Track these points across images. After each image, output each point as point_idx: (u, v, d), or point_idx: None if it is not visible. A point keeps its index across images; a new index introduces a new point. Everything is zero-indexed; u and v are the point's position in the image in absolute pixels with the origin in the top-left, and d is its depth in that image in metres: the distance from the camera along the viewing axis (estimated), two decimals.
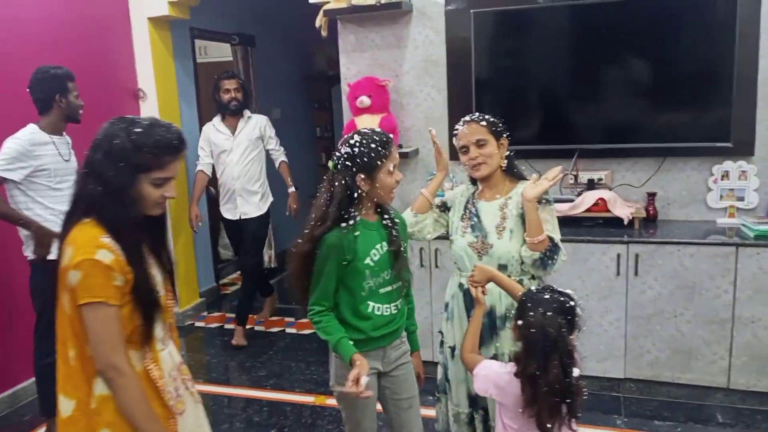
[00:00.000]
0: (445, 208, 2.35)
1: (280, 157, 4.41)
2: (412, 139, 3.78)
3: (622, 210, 3.28)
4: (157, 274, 1.65)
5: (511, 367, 1.74)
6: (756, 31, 3.14)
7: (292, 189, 4.43)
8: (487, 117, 2.19)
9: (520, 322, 1.72)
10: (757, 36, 3.14)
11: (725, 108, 3.16)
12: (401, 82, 3.75)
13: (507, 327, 2.12)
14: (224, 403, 3.50)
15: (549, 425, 1.65)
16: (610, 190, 3.41)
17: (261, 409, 3.39)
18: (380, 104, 3.63)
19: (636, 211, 3.31)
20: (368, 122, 3.57)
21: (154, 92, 4.43)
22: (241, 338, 4.25)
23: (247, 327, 4.40)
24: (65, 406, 1.55)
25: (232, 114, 4.19)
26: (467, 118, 2.22)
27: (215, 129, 4.23)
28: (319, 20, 3.67)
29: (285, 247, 6.18)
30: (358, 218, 1.96)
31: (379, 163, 1.91)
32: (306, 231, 1.96)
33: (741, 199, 3.30)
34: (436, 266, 3.38)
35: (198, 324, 4.73)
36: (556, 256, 2.08)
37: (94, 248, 1.48)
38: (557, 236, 2.11)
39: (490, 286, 2.04)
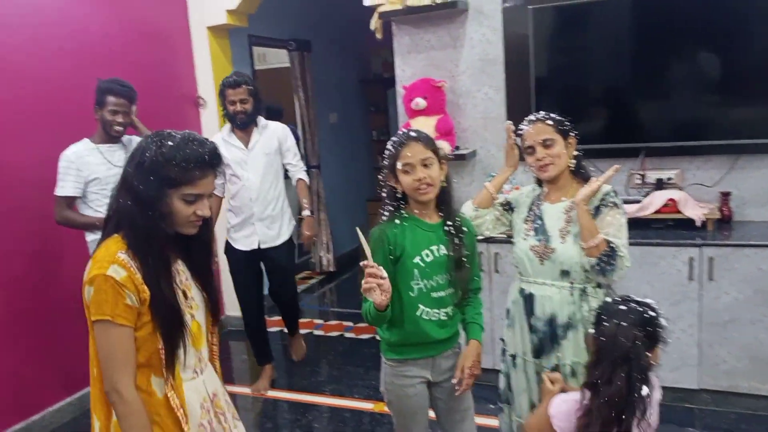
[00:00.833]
0: (509, 207, 2.27)
1: (298, 173, 3.62)
2: (469, 141, 3.70)
3: (694, 211, 3.10)
4: (195, 297, 1.62)
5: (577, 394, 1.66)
6: None
7: (307, 213, 3.62)
8: (553, 115, 2.10)
9: (592, 332, 1.64)
10: None
11: None
12: (457, 82, 3.68)
13: (569, 336, 2.04)
14: (284, 408, 3.52)
15: None
16: (681, 189, 3.23)
17: (321, 415, 3.38)
18: (436, 106, 3.58)
19: (709, 211, 3.12)
20: (424, 124, 3.52)
21: (214, 100, 4.50)
22: (300, 348, 4.09)
23: (304, 332, 4.38)
24: (95, 425, 1.56)
25: (240, 128, 3.45)
26: (532, 117, 2.12)
27: (225, 142, 3.43)
28: (374, 23, 3.65)
29: (345, 250, 6.25)
30: (404, 213, 1.99)
31: (392, 161, 1.94)
32: None
33: None
34: (496, 271, 3.29)
35: None
36: (614, 262, 1.95)
37: (108, 263, 1.45)
38: (620, 241, 1.98)
39: (552, 292, 1.97)
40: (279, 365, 4.11)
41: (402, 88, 3.70)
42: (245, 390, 3.72)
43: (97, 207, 3.02)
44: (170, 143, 1.50)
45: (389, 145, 1.97)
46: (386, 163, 1.98)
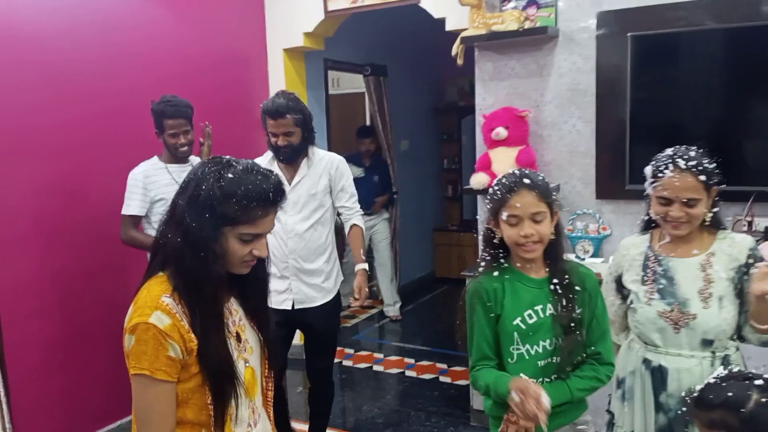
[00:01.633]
0: (619, 285, 1.94)
1: (353, 218, 2.90)
2: (552, 175, 3.44)
3: None
4: (249, 339, 1.45)
5: None
6: None
7: (361, 266, 2.84)
8: (705, 165, 1.73)
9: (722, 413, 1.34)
10: None
11: None
12: (542, 112, 3.44)
13: None
14: None
15: None
16: None
17: None
18: (518, 136, 3.34)
19: None
20: (504, 155, 3.30)
21: None
22: None
23: (362, 366, 4.17)
24: None
25: (285, 162, 2.77)
26: (680, 161, 1.72)
27: None
28: (456, 48, 3.47)
29: (409, 280, 6.03)
30: (504, 264, 1.73)
31: (497, 207, 1.68)
32: None
33: None
34: None
35: None
36: None
37: (151, 309, 1.28)
38: None
39: (690, 364, 1.72)
40: (335, 397, 3.90)
41: (482, 116, 3.50)
42: (302, 427, 3.51)
43: None
44: (230, 176, 1.31)
45: (496, 187, 1.69)
46: (489, 206, 1.71)
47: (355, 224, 2.89)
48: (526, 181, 1.64)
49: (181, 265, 1.32)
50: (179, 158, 3.01)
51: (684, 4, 2.96)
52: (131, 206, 2.93)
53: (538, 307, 1.68)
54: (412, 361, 4.43)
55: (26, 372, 2.94)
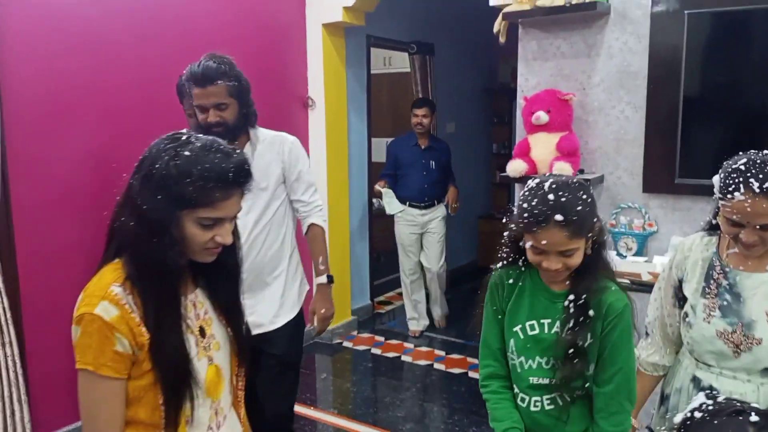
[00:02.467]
0: (678, 287, 1.66)
1: (311, 214, 2.36)
2: (596, 164, 3.18)
3: None
4: (216, 335, 1.32)
5: None
6: None
7: (322, 279, 2.35)
8: None
9: None
10: None
11: None
12: (589, 96, 3.17)
13: None
14: None
15: None
16: None
17: None
18: (560, 121, 3.09)
19: None
20: (544, 141, 3.06)
21: (323, 101, 4.30)
22: None
23: (391, 355, 4.05)
24: None
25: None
26: (754, 183, 1.38)
27: None
28: (498, 24, 3.24)
29: (453, 266, 5.81)
30: (521, 266, 1.54)
31: (518, 234, 1.47)
32: None
33: None
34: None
35: (346, 344, 4.48)
36: None
37: (98, 299, 1.17)
38: None
39: (746, 389, 1.48)
40: (357, 389, 3.80)
41: (522, 99, 3.25)
42: (327, 418, 3.40)
43: None
44: (187, 153, 1.19)
45: (524, 210, 1.39)
46: (513, 225, 1.48)
47: (313, 223, 2.35)
48: (558, 218, 1.33)
49: (135, 251, 1.20)
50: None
51: None
52: None
53: (545, 321, 1.48)
54: (442, 353, 4.26)
55: (44, 343, 2.94)
